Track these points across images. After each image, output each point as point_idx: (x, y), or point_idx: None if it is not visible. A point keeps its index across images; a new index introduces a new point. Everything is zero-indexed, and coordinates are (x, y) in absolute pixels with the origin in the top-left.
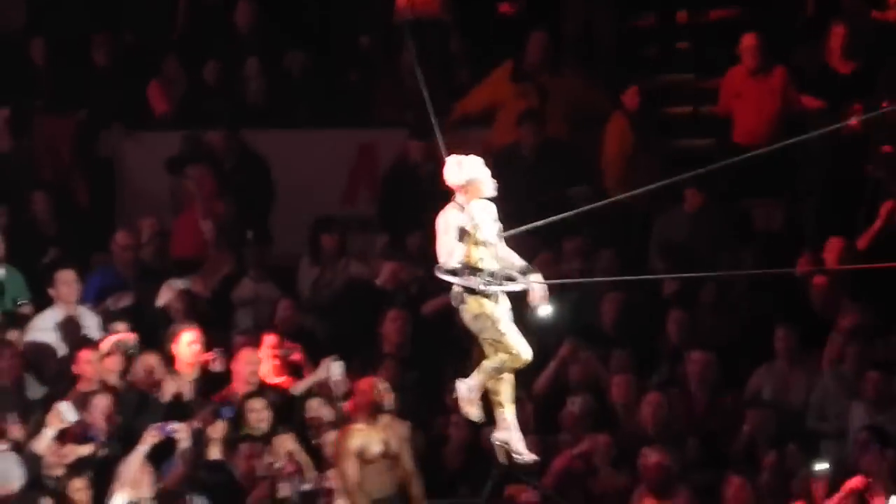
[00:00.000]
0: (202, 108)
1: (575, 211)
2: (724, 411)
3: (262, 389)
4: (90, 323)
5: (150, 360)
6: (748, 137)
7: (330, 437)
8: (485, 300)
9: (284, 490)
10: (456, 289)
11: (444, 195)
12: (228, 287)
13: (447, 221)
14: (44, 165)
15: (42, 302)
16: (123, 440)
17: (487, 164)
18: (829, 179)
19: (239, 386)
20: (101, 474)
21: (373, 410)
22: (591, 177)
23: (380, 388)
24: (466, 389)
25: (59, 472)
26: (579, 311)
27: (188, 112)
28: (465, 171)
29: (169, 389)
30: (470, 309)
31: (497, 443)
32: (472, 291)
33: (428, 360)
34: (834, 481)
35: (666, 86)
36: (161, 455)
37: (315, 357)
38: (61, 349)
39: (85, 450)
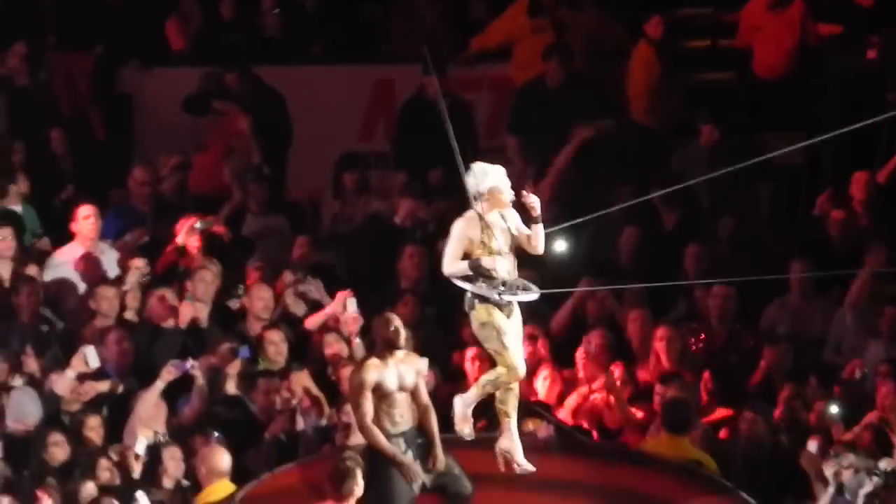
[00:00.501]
0: (219, 44)
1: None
2: (743, 346)
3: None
4: (108, 259)
5: (167, 293)
6: (767, 70)
7: (346, 372)
8: (495, 310)
9: (301, 425)
10: (469, 294)
11: (462, 131)
12: (239, 222)
13: (457, 231)
14: (61, 101)
15: (60, 238)
16: (139, 375)
17: (510, 99)
18: (849, 111)
19: (252, 323)
20: (117, 410)
21: (387, 347)
22: (618, 109)
23: (395, 324)
24: (462, 406)
25: (75, 407)
26: (596, 245)
27: (205, 48)
28: (488, 180)
29: (185, 317)
30: (478, 316)
31: (499, 451)
32: (484, 300)
33: (445, 296)
34: (852, 417)
35: (685, 19)
36: (177, 391)
37: (332, 292)
38: (80, 285)
39: (104, 386)
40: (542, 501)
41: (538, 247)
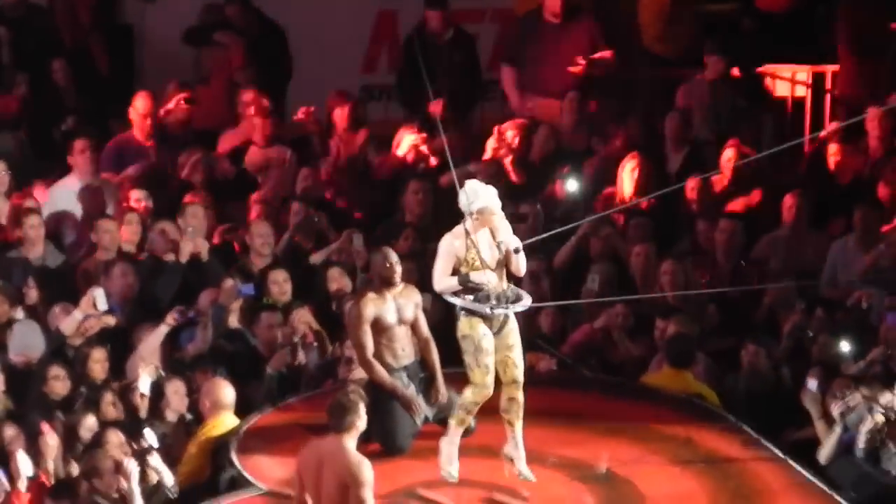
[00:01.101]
0: None
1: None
2: (747, 280)
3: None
4: (109, 191)
5: (167, 227)
6: (770, 1)
7: (348, 305)
8: (479, 324)
9: (303, 359)
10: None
11: (466, 68)
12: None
13: (444, 247)
14: (63, 32)
15: (62, 171)
16: (142, 308)
17: (512, 30)
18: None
19: (254, 259)
20: (120, 344)
21: (383, 282)
22: (627, 37)
23: (391, 259)
24: (447, 446)
25: (79, 341)
26: (599, 180)
27: None
28: (479, 201)
29: (186, 251)
30: (461, 327)
31: (504, 455)
32: (472, 312)
33: (447, 231)
34: (858, 350)
35: None
36: (180, 325)
37: (337, 227)
38: (80, 217)
39: (109, 320)
40: (545, 435)
41: (520, 271)
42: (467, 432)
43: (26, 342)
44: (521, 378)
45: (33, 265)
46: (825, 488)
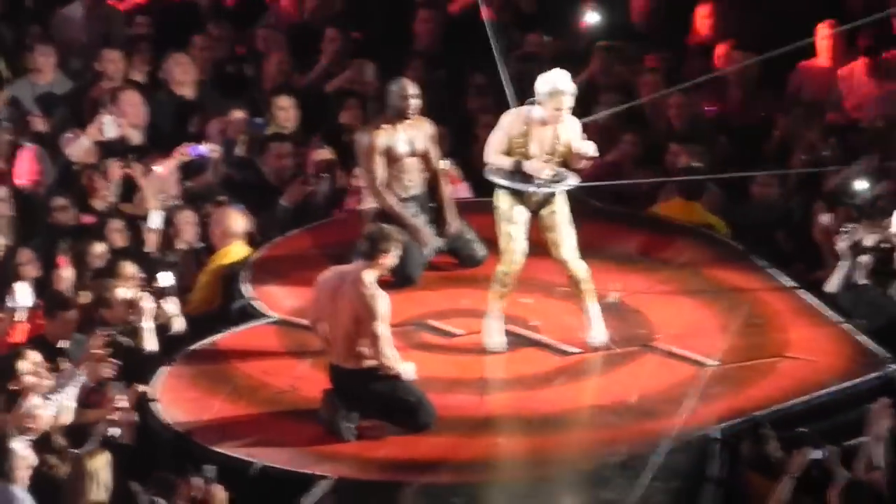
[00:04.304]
0: None
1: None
2: (759, 111)
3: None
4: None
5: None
6: None
7: (360, 135)
8: (508, 196)
9: (315, 188)
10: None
11: None
12: None
13: (503, 122)
14: None
15: None
16: (152, 137)
17: None
18: None
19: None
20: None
21: (397, 113)
22: None
23: (407, 91)
24: (488, 321)
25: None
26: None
27: None
28: (549, 84)
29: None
30: (495, 198)
31: None
32: (505, 188)
33: (456, 59)
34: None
35: None
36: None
37: (350, 56)
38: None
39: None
40: (555, 265)
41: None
42: (472, 262)
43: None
44: (566, 257)
45: (40, 92)
46: (836, 315)
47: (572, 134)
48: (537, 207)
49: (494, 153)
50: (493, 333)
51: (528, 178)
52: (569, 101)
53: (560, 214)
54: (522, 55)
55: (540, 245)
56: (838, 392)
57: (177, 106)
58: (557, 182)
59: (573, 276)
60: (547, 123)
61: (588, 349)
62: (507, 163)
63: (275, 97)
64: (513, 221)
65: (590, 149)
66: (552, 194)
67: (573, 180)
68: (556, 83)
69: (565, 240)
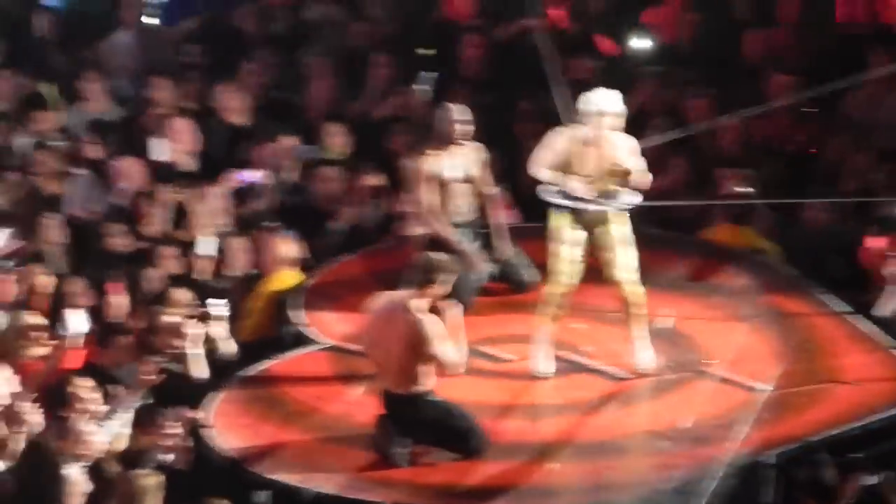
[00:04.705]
0: None
1: None
2: (809, 134)
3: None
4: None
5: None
6: None
7: (408, 161)
8: (559, 216)
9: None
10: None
11: None
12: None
13: (549, 139)
14: None
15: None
16: (204, 164)
17: None
18: None
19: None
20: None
21: (443, 138)
22: None
23: (453, 116)
24: (537, 345)
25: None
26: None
27: None
28: (594, 105)
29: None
30: (549, 217)
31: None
32: (565, 208)
33: (504, 85)
34: None
35: None
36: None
37: (398, 79)
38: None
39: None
40: (605, 290)
41: (638, 187)
42: (524, 287)
43: (88, 196)
44: (619, 277)
45: (93, 119)
46: (888, 340)
47: (622, 153)
48: (591, 227)
49: (537, 166)
50: (541, 358)
51: (580, 196)
52: (613, 122)
53: (616, 234)
54: (570, 80)
55: (594, 269)
56: (893, 417)
57: (228, 132)
58: (608, 200)
59: (626, 298)
60: (590, 144)
61: (640, 374)
62: (548, 177)
63: (324, 123)
64: (562, 241)
65: (629, 162)
66: (606, 213)
67: (629, 199)
68: (599, 104)
69: (620, 259)
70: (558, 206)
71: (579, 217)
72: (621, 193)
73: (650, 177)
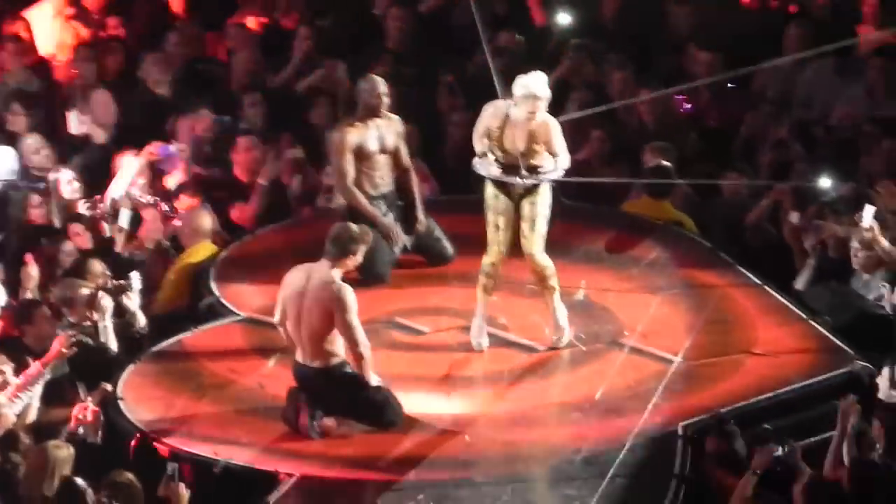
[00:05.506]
0: None
1: None
2: (727, 109)
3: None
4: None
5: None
6: None
7: (333, 132)
8: (490, 186)
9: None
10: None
11: None
12: None
13: (484, 114)
14: None
15: None
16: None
17: None
18: None
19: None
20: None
21: (368, 110)
22: None
23: (379, 89)
24: (475, 318)
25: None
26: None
27: None
28: (525, 87)
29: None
30: (485, 189)
31: None
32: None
33: (426, 58)
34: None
35: None
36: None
37: (321, 53)
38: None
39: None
40: (523, 263)
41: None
42: (439, 260)
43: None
44: (529, 250)
45: (13, 90)
46: (802, 313)
47: (547, 134)
48: (519, 199)
49: (476, 139)
50: (478, 333)
51: (512, 169)
52: (543, 106)
53: (535, 206)
54: (494, 49)
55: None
56: (803, 389)
57: (150, 104)
58: (530, 175)
59: (537, 271)
60: (519, 122)
61: (554, 347)
62: (481, 149)
63: (245, 94)
64: (498, 212)
65: (554, 143)
66: (535, 187)
67: (554, 175)
68: (532, 87)
69: (534, 233)
70: (491, 179)
71: (508, 189)
72: (545, 169)
73: (569, 159)
